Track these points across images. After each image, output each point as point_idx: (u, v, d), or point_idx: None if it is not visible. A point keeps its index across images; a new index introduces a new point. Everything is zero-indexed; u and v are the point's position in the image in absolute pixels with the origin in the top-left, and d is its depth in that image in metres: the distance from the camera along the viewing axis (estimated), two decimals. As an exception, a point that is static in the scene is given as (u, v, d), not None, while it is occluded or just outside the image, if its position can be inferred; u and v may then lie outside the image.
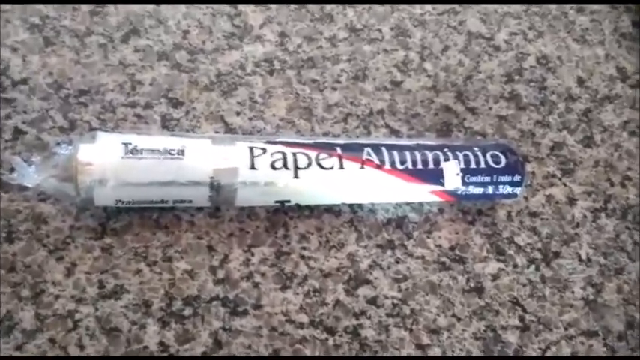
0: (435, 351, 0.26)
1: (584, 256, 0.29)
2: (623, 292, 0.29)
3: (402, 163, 0.27)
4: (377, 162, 0.27)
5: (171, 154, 0.25)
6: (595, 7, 0.38)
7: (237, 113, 0.30)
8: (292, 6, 0.34)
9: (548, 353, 0.27)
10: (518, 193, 0.28)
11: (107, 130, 0.28)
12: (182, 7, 0.33)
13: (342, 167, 0.26)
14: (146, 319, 0.25)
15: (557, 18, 0.37)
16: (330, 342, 0.25)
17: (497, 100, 0.33)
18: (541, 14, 0.37)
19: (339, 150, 0.26)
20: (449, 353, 0.26)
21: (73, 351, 0.24)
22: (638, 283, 0.29)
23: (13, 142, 0.27)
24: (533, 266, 0.29)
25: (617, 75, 0.36)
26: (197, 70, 0.31)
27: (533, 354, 0.27)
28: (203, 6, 0.33)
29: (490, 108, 0.33)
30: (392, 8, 0.35)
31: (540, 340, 0.27)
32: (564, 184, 0.31)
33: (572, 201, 0.31)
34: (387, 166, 0.27)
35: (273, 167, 0.25)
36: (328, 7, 0.34)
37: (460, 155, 0.27)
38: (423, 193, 0.27)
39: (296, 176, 0.26)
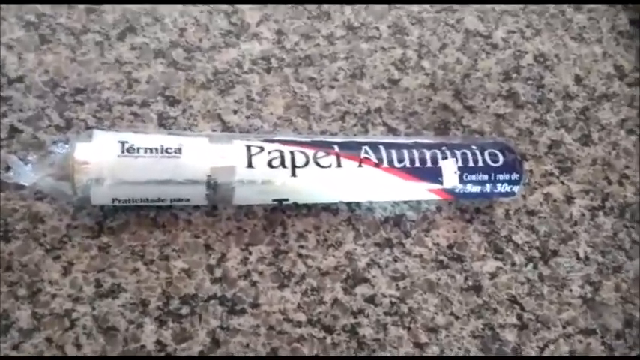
0: (433, 349, 0.26)
1: (582, 255, 0.29)
2: (621, 291, 0.29)
3: (400, 161, 0.27)
4: (375, 160, 0.26)
5: (168, 152, 0.25)
6: (592, 5, 0.38)
7: (235, 111, 0.30)
8: (289, 4, 0.34)
9: (547, 351, 0.27)
10: (516, 191, 0.28)
11: (104, 129, 0.28)
12: (179, 4, 0.32)
13: (339, 165, 0.26)
14: (143, 318, 0.25)
15: (554, 16, 0.37)
16: (328, 340, 0.25)
17: (494, 98, 0.33)
18: (538, 12, 0.37)
19: (336, 148, 0.26)
20: (447, 352, 0.26)
21: (70, 350, 0.24)
22: (636, 282, 0.29)
23: (9, 141, 0.27)
24: (531, 264, 0.29)
25: (614, 73, 0.36)
26: (194, 68, 0.31)
27: (532, 352, 0.27)
28: (200, 4, 0.33)
29: (488, 106, 0.33)
30: (389, 6, 0.35)
31: (538, 339, 0.27)
32: (562, 183, 0.31)
33: (569, 199, 0.31)
34: (385, 164, 0.26)
35: (270, 165, 0.25)
36: (325, 4, 0.34)
37: (458, 153, 0.27)
38: (420, 191, 0.27)
39: (293, 175, 0.26)
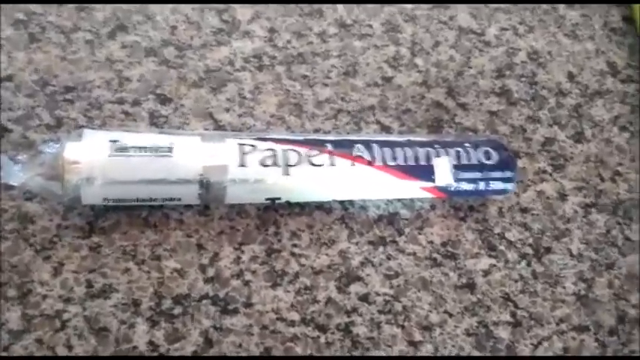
0: (427, 348, 0.26)
1: (575, 252, 0.29)
2: (614, 287, 0.29)
3: (393, 159, 0.27)
4: (368, 158, 0.26)
5: (159, 151, 0.24)
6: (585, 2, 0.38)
7: (227, 110, 0.30)
8: (281, 3, 0.34)
9: (540, 349, 0.27)
10: (509, 188, 0.28)
11: (94, 128, 0.27)
12: (170, 2, 0.32)
13: (332, 164, 0.26)
14: (135, 319, 0.24)
15: (547, 13, 0.37)
16: (322, 340, 0.25)
17: (488, 95, 0.33)
18: (531, 9, 0.37)
19: (329, 146, 0.26)
20: (441, 350, 0.26)
21: (61, 351, 0.23)
22: (629, 278, 0.29)
23: (-2, 140, 0.27)
24: (524, 262, 0.29)
25: (607, 70, 0.36)
26: (185, 66, 0.31)
27: (525, 349, 0.27)
28: (191, 3, 0.33)
29: (481, 103, 0.33)
30: (382, 3, 0.35)
31: (532, 336, 0.27)
32: (555, 180, 0.31)
33: (563, 196, 0.31)
34: (378, 162, 0.26)
35: (263, 164, 0.25)
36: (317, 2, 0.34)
37: (451, 151, 0.27)
38: (414, 189, 0.27)
39: (286, 173, 0.25)
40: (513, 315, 0.27)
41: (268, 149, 0.26)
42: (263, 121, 0.30)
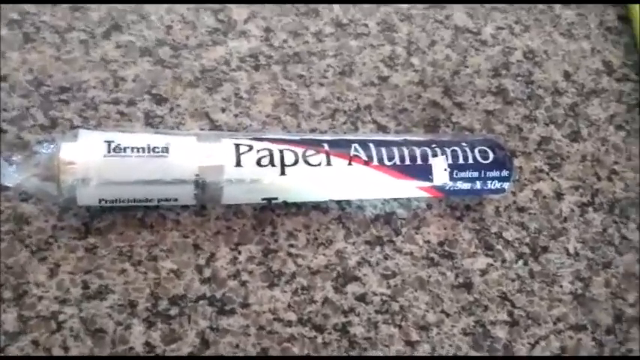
0: (425, 347, 0.26)
1: (572, 251, 0.29)
2: (611, 286, 0.29)
3: (390, 159, 0.27)
4: (364, 158, 0.26)
5: (155, 151, 0.24)
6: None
7: (223, 110, 0.30)
8: (277, 3, 0.33)
9: (537, 348, 0.27)
10: (506, 188, 0.28)
11: (89, 128, 0.27)
12: (165, 2, 0.32)
13: (329, 164, 0.26)
14: (131, 320, 0.24)
15: (543, 12, 0.37)
16: (319, 340, 0.25)
17: (484, 94, 0.33)
18: (527, 8, 0.37)
19: (326, 146, 0.26)
20: (438, 349, 0.26)
21: (57, 353, 0.23)
22: (626, 277, 0.29)
23: (-8, 141, 0.27)
24: (521, 261, 0.29)
25: (603, 69, 0.36)
26: (181, 66, 0.31)
27: (523, 349, 0.27)
28: (186, 3, 0.32)
29: (477, 103, 0.33)
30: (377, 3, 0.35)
31: (529, 335, 0.27)
32: (552, 179, 0.31)
33: (559, 195, 0.31)
34: (375, 162, 0.26)
35: (259, 164, 0.25)
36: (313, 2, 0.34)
37: (448, 151, 0.27)
38: (411, 188, 0.27)
39: (283, 173, 0.25)
40: (510, 314, 0.27)
41: (264, 149, 0.25)
42: (259, 121, 0.30)
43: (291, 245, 0.27)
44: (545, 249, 0.29)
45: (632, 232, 0.30)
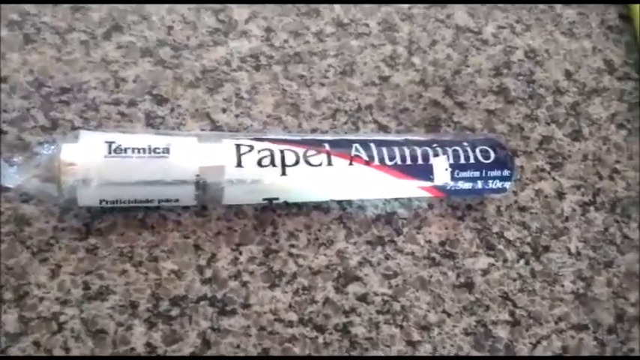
0: (426, 347, 0.26)
1: (573, 250, 0.29)
2: (613, 286, 0.29)
3: (391, 158, 0.26)
4: (365, 158, 0.26)
5: (156, 152, 0.24)
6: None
7: (224, 110, 0.30)
8: (278, 3, 0.33)
9: (539, 348, 0.27)
10: (507, 187, 0.28)
11: (90, 129, 0.27)
12: (165, 2, 0.32)
13: (330, 164, 0.26)
14: (132, 321, 0.24)
15: (544, 11, 0.37)
16: (320, 340, 0.25)
17: (485, 94, 0.33)
18: (528, 7, 0.37)
19: (327, 146, 0.26)
20: (439, 349, 0.26)
21: (59, 354, 0.23)
22: (628, 277, 0.29)
23: (-7, 142, 0.27)
24: (523, 261, 0.29)
25: (604, 68, 0.36)
26: (182, 67, 0.30)
27: (524, 349, 0.27)
28: (187, 3, 0.32)
29: (479, 102, 0.33)
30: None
31: (531, 335, 0.27)
32: (553, 178, 0.31)
33: (561, 195, 0.31)
34: (376, 162, 0.26)
35: (260, 164, 0.25)
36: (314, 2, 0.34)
37: (449, 150, 0.27)
38: (412, 188, 0.27)
39: (284, 173, 0.25)
40: (512, 314, 0.27)
41: (265, 149, 0.25)
42: (260, 122, 0.30)
43: (292, 245, 0.27)
44: (546, 248, 0.29)
45: (633, 232, 0.30)
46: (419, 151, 0.27)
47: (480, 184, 0.28)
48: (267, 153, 0.25)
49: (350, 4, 0.34)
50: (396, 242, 0.28)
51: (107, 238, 0.26)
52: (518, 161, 0.31)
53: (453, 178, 0.27)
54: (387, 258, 0.27)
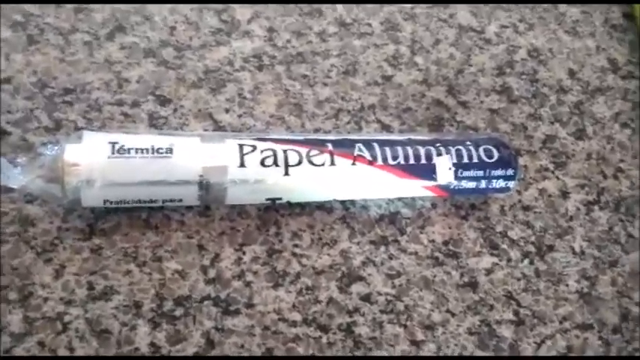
0: (430, 347, 0.26)
1: (578, 249, 0.29)
2: (618, 285, 0.29)
3: (394, 158, 0.26)
4: (369, 158, 0.26)
5: (159, 152, 0.24)
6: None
7: (226, 110, 0.30)
8: (281, 3, 0.33)
9: (543, 347, 0.27)
10: (511, 186, 0.28)
11: (93, 130, 0.27)
12: (168, 3, 0.32)
13: (333, 163, 0.26)
14: (137, 321, 0.24)
15: (547, 10, 0.37)
16: (324, 340, 0.25)
17: (488, 93, 0.33)
18: (531, 6, 0.37)
19: (330, 146, 0.26)
20: (444, 349, 0.26)
21: (63, 354, 0.23)
22: (632, 276, 0.29)
23: (-3, 143, 0.27)
24: (527, 260, 0.28)
25: (608, 66, 0.35)
26: (184, 67, 0.31)
27: (529, 348, 0.26)
28: (190, 3, 0.32)
29: (482, 101, 0.33)
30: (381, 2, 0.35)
31: (535, 335, 0.27)
32: (557, 177, 0.31)
33: (565, 194, 0.31)
34: (379, 161, 0.26)
35: (263, 164, 0.25)
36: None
37: (452, 150, 0.27)
38: (415, 188, 0.27)
39: (287, 173, 0.25)
40: (516, 313, 0.27)
41: (268, 149, 0.25)
42: (263, 121, 0.30)
43: (296, 245, 0.27)
44: (550, 248, 0.29)
45: (638, 231, 0.30)
46: (422, 151, 0.27)
47: (483, 184, 0.27)
48: (270, 153, 0.25)
49: (352, 4, 0.34)
50: (399, 242, 0.28)
51: (111, 239, 0.26)
52: (521, 160, 0.31)
53: (456, 178, 0.27)
54: (390, 258, 0.27)
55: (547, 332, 0.27)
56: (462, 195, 0.29)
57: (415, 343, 0.26)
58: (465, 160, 0.27)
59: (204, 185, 0.25)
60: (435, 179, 0.27)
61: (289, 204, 0.27)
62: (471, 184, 0.27)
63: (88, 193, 0.24)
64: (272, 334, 0.25)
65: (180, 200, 0.25)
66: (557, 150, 0.32)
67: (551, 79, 0.34)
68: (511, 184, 0.28)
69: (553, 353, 0.27)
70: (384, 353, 0.25)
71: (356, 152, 0.26)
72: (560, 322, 0.27)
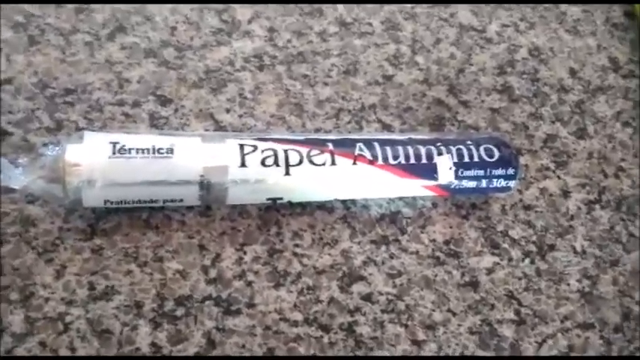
0: (431, 347, 0.26)
1: (579, 249, 0.29)
2: (619, 284, 0.29)
3: (395, 158, 0.26)
4: (369, 157, 0.26)
5: (160, 152, 0.24)
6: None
7: (227, 110, 0.30)
8: (281, 3, 0.33)
9: (545, 346, 0.27)
10: (512, 186, 0.28)
11: (94, 130, 0.27)
12: (169, 3, 0.32)
13: (334, 163, 0.26)
14: (138, 321, 0.24)
15: (548, 9, 0.37)
16: (325, 340, 0.25)
17: (489, 92, 0.33)
18: (532, 5, 0.37)
19: (330, 146, 0.26)
20: (445, 349, 0.26)
21: (64, 354, 0.23)
22: (634, 275, 0.29)
23: (-2, 144, 0.27)
24: (528, 259, 0.28)
25: (609, 65, 0.35)
26: (185, 67, 0.31)
27: (530, 348, 0.26)
28: (190, 3, 0.33)
29: (483, 101, 0.33)
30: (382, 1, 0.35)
31: (536, 334, 0.27)
32: (558, 177, 0.31)
33: (566, 193, 0.31)
34: (380, 161, 0.26)
35: (263, 164, 0.25)
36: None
37: (453, 149, 0.27)
38: (416, 187, 0.27)
39: (287, 173, 0.25)
40: (517, 313, 0.27)
41: (269, 149, 0.25)
42: (263, 121, 0.30)
43: (297, 245, 0.27)
44: (551, 247, 0.29)
45: (639, 230, 0.30)
46: (423, 150, 0.27)
47: (484, 183, 0.27)
48: (271, 153, 0.25)
49: (353, 4, 0.34)
50: (400, 241, 0.28)
51: (112, 239, 0.26)
52: (522, 160, 0.31)
53: (457, 177, 0.27)
54: (391, 257, 0.27)
55: (548, 332, 0.27)
56: (463, 194, 0.29)
57: (416, 342, 0.26)
58: (466, 159, 0.27)
59: (205, 185, 0.25)
60: (435, 179, 0.27)
61: (290, 204, 0.27)
62: (472, 184, 0.27)
63: (89, 193, 0.24)
64: (273, 333, 0.25)
65: (181, 200, 0.25)
66: (558, 149, 0.32)
67: (552, 78, 0.34)
68: (512, 183, 0.28)
69: (554, 353, 0.27)
70: (386, 353, 0.25)
71: (357, 152, 0.26)
72: (562, 322, 0.27)
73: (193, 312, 0.25)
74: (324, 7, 0.34)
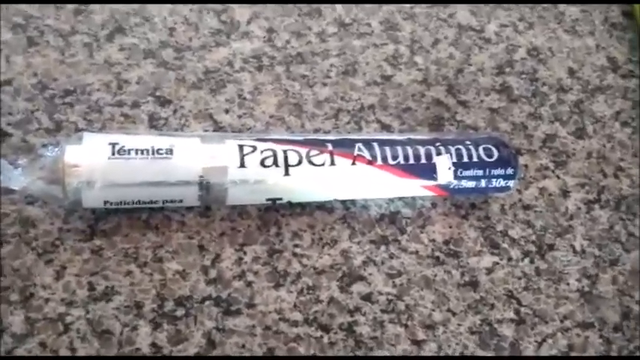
0: (431, 346, 0.26)
1: (578, 248, 0.29)
2: (618, 283, 0.29)
3: (394, 158, 0.26)
4: (368, 157, 0.26)
5: (159, 153, 0.24)
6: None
7: (226, 111, 0.30)
8: (280, 3, 0.34)
9: (544, 346, 0.27)
10: (511, 186, 0.28)
11: (94, 131, 0.27)
12: (168, 3, 0.32)
13: (333, 163, 0.26)
14: (138, 321, 0.24)
15: (547, 9, 0.37)
16: (325, 340, 0.25)
17: (488, 92, 0.33)
18: (531, 5, 0.37)
19: (330, 146, 0.26)
20: (444, 348, 0.26)
21: (65, 354, 0.23)
22: (633, 274, 0.29)
23: (-2, 145, 0.27)
24: (527, 259, 0.28)
25: (608, 65, 0.35)
26: (184, 68, 0.31)
27: (530, 347, 0.26)
28: (189, 3, 0.33)
29: (482, 101, 0.33)
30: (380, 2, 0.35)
31: (536, 333, 0.27)
32: (557, 176, 0.31)
33: (565, 193, 0.31)
34: (379, 161, 0.26)
35: (263, 165, 0.25)
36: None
37: (452, 149, 0.27)
38: (415, 187, 0.27)
39: (287, 173, 0.25)
40: (517, 312, 0.27)
41: (268, 150, 0.25)
42: (263, 122, 0.30)
43: (296, 245, 0.27)
44: (551, 247, 0.29)
45: (638, 229, 0.30)
46: (422, 150, 0.27)
47: (483, 183, 0.28)
48: (270, 153, 0.25)
49: (352, 4, 0.35)
50: (400, 241, 0.28)
51: (112, 239, 0.26)
52: (522, 159, 0.31)
53: (456, 177, 0.27)
54: (391, 257, 0.27)
55: (548, 331, 0.27)
56: (462, 194, 0.29)
57: (416, 342, 0.26)
58: (465, 159, 0.27)
59: (204, 186, 0.25)
60: (435, 179, 0.27)
61: (290, 204, 0.27)
62: (471, 184, 0.27)
63: (88, 194, 0.24)
64: (273, 334, 0.25)
65: (181, 201, 0.25)
66: (557, 149, 0.32)
67: (551, 78, 0.34)
68: (511, 183, 0.28)
69: (554, 352, 0.27)
70: (386, 353, 0.25)
71: (356, 152, 0.26)
72: (561, 321, 0.27)
73: (193, 312, 0.25)
74: (323, 7, 0.34)
